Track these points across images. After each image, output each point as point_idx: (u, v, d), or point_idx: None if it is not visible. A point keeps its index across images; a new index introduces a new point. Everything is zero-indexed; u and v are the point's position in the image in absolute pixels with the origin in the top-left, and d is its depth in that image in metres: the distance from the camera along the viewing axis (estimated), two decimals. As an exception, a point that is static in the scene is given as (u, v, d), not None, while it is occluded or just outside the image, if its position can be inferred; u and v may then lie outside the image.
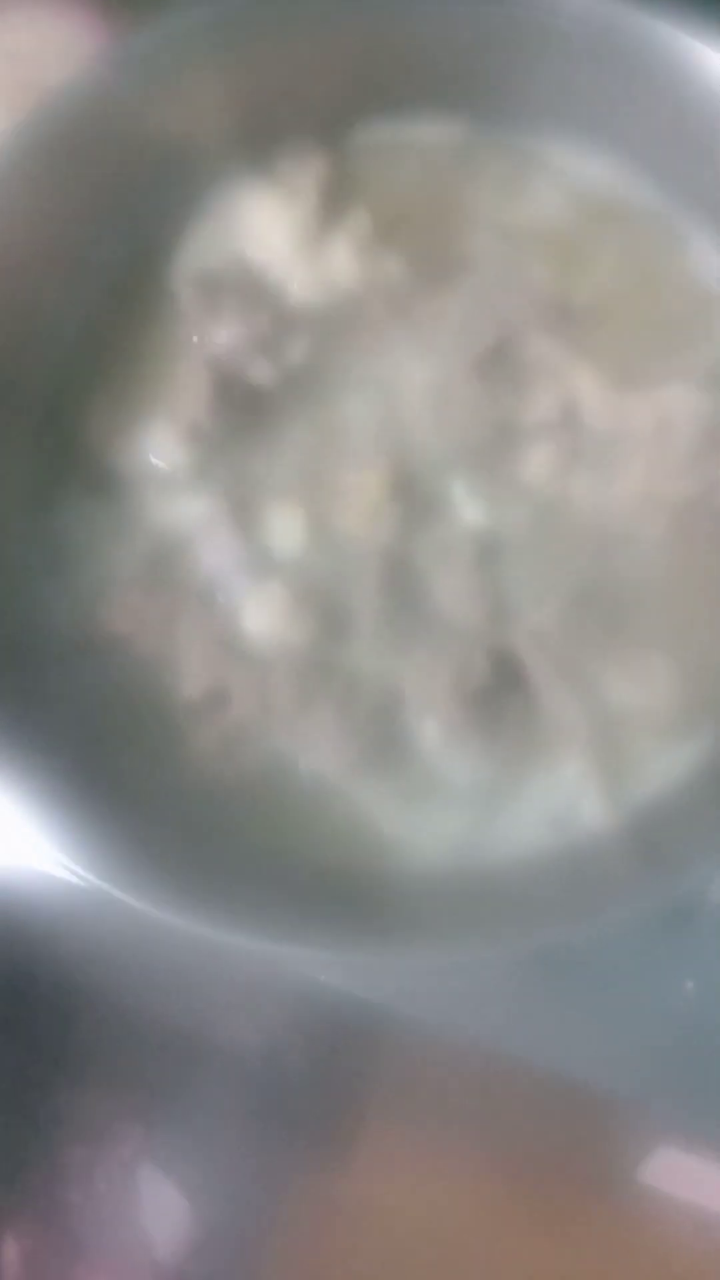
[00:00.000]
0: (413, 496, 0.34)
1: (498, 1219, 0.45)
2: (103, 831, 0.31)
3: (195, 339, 0.35)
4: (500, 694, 0.32)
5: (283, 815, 0.32)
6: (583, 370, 0.34)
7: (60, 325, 0.35)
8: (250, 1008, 0.45)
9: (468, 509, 0.34)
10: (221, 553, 0.34)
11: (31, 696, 0.33)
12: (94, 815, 0.31)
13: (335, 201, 0.35)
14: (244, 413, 0.35)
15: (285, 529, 0.34)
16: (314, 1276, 0.49)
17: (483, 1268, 0.45)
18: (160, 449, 0.35)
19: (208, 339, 0.35)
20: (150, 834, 0.31)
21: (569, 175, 0.36)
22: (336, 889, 0.31)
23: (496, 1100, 0.43)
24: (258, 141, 0.36)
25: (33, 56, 0.42)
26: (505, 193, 0.36)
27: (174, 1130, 0.54)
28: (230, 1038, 0.48)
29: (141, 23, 0.39)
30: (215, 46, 0.34)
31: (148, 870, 0.30)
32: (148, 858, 0.30)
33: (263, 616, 0.33)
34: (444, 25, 0.34)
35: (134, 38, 0.34)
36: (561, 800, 0.32)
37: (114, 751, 0.33)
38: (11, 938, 0.43)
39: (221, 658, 0.33)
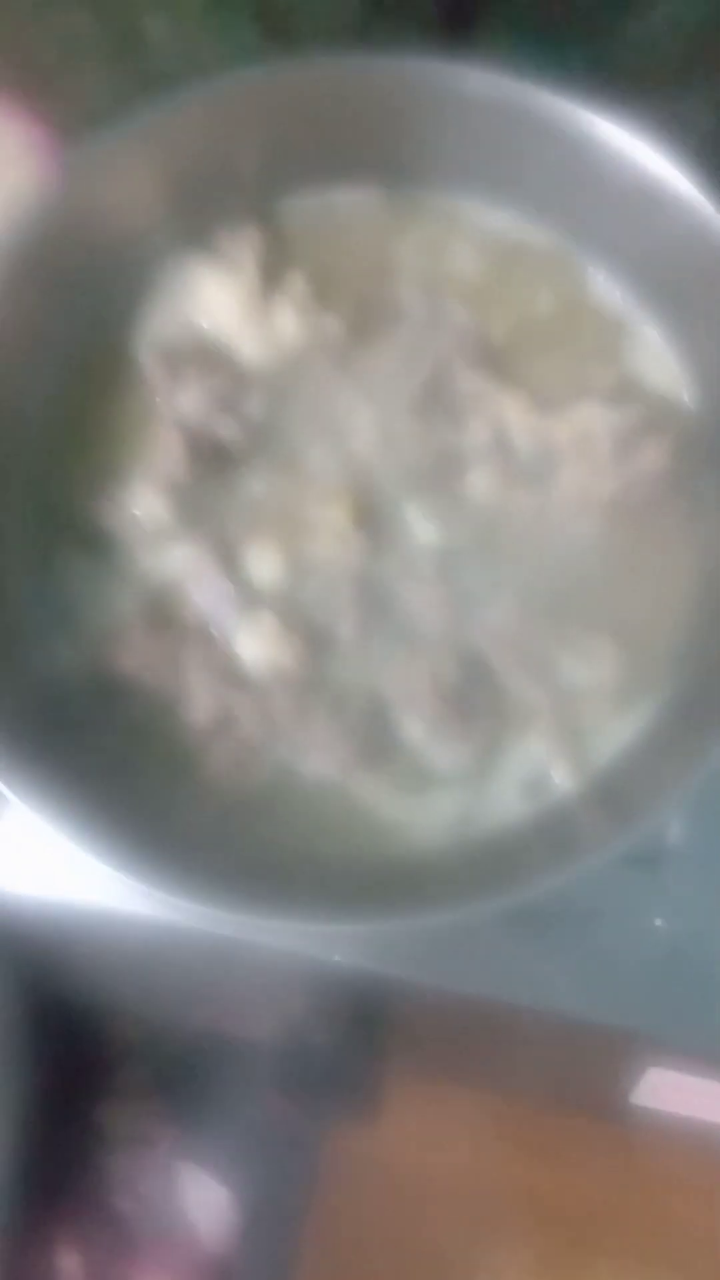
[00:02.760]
0: (373, 523, 0.38)
1: (513, 1154, 0.50)
2: (136, 842, 0.34)
3: (162, 405, 0.39)
4: (471, 687, 0.36)
5: (294, 816, 0.36)
6: (508, 398, 0.38)
7: (39, 403, 0.39)
8: (270, 997, 0.48)
9: (423, 529, 0.38)
10: (211, 591, 0.38)
11: (58, 737, 0.36)
12: (126, 829, 0.34)
13: (272, 268, 0.40)
14: (215, 465, 0.38)
15: (264, 564, 0.38)
16: (353, 1237, 0.53)
17: (504, 1200, 0.50)
18: (143, 505, 0.38)
19: (174, 404, 0.39)
20: (177, 841, 0.35)
21: (479, 225, 0.40)
22: (348, 874, 0.35)
23: (499, 1046, 0.48)
24: (197, 220, 0.40)
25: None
26: (424, 246, 0.40)
27: (208, 1125, 0.58)
28: (253, 1028, 0.52)
29: (77, 123, 0.43)
30: (149, 142, 0.38)
31: (180, 869, 0.33)
32: (178, 860, 0.34)
33: (255, 644, 0.37)
34: (358, 98, 0.39)
35: (79, 147, 0.38)
36: (534, 772, 0.37)
37: (136, 776, 0.36)
38: (40, 961, 0.46)
39: (223, 685, 0.36)
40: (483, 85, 0.37)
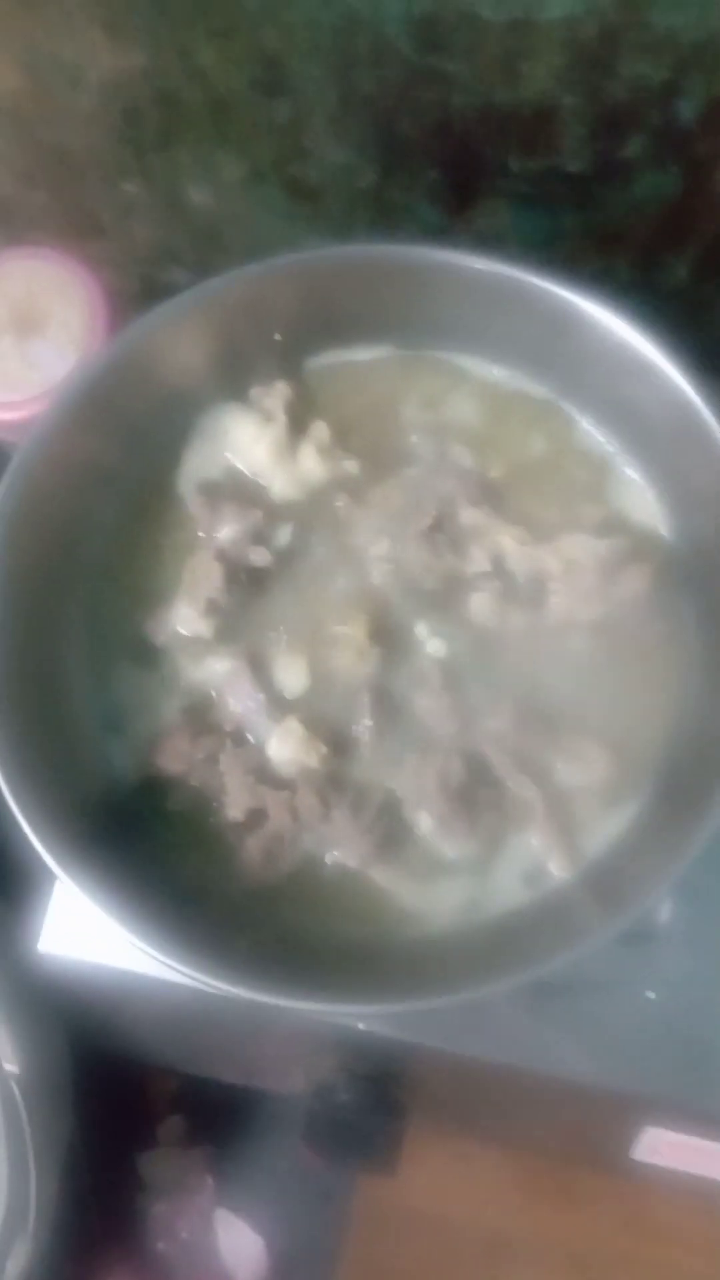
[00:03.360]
0: (387, 639, 0.43)
1: (524, 1202, 0.54)
2: (175, 924, 0.38)
3: (204, 535, 0.44)
4: (475, 786, 0.40)
5: (318, 902, 0.40)
6: (505, 530, 0.43)
7: (97, 534, 0.45)
8: (300, 1057, 0.52)
9: (431, 644, 0.43)
10: (245, 699, 0.42)
11: (108, 829, 0.41)
12: (166, 912, 0.38)
13: (299, 418, 0.45)
14: (249, 588, 0.43)
15: (292, 675, 0.43)
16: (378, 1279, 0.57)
17: (516, 1244, 0.53)
18: (186, 623, 0.43)
19: (214, 534, 0.44)
20: (212, 924, 0.39)
21: (478, 379, 0.45)
22: (368, 955, 0.39)
23: (509, 1105, 0.51)
24: (235, 376, 0.45)
25: (33, 289, 0.52)
26: (431, 397, 0.45)
27: (243, 1174, 0.62)
28: (285, 1084, 0.56)
29: (130, 274, 0.49)
30: (196, 312, 0.44)
31: (216, 955, 0.37)
32: (213, 943, 0.38)
33: (284, 747, 0.41)
34: (374, 276, 0.44)
35: (139, 317, 0.43)
36: (534, 862, 0.40)
37: (178, 864, 0.41)
38: (87, 1021, 0.51)
39: (256, 784, 0.41)
40: (481, 268, 0.43)
